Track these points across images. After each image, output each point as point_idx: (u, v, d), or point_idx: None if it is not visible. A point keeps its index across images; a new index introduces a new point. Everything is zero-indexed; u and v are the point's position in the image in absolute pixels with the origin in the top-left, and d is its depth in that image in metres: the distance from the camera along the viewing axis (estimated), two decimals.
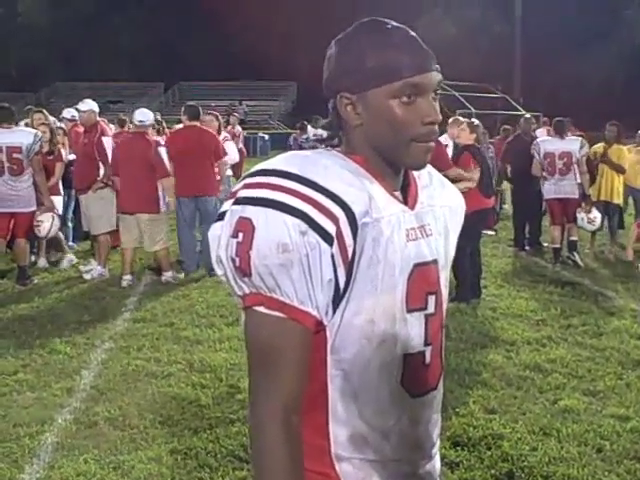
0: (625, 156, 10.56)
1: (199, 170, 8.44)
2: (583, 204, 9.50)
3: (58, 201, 8.85)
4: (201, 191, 8.56)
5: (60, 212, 8.82)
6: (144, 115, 8.41)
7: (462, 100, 26.69)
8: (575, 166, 9.37)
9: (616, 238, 10.60)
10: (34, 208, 8.02)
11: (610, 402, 4.90)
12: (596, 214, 9.67)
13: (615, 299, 7.69)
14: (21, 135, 7.98)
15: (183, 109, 9.00)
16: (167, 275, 8.31)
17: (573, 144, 9.46)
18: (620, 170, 10.35)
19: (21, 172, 7.84)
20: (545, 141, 9.66)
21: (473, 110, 25.92)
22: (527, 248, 10.42)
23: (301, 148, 15.27)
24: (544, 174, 9.47)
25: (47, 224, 8.15)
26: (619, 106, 23.45)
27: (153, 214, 8.15)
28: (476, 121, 8.43)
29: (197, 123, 8.81)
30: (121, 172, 8.14)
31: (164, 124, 16.16)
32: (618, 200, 10.39)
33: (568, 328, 6.61)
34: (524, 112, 19.75)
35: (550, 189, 9.48)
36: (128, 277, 8.16)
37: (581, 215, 9.51)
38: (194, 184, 8.42)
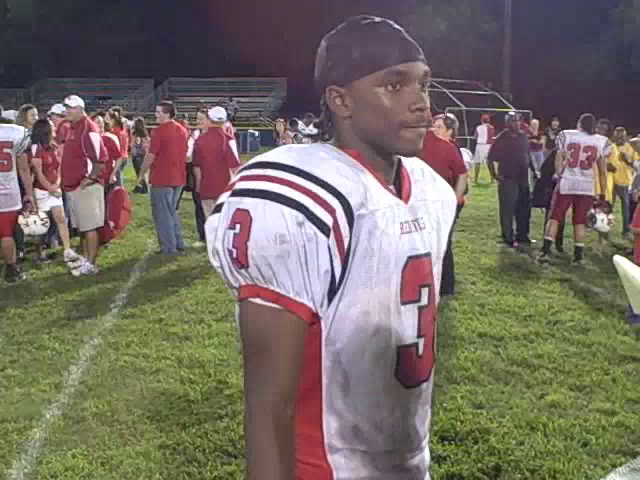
0: (615, 154, 10.63)
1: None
2: (601, 205, 9.36)
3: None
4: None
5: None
6: (219, 113, 9.55)
7: (452, 97, 26.74)
8: (595, 164, 9.24)
9: (605, 235, 10.67)
10: (20, 206, 8.01)
11: (596, 397, 4.94)
12: (612, 215, 9.56)
13: (602, 295, 7.73)
14: (10, 131, 7.96)
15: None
16: None
17: (599, 140, 9.32)
18: (610, 168, 10.41)
19: (10, 169, 7.82)
20: (572, 133, 9.44)
21: (463, 107, 25.98)
22: (516, 244, 10.45)
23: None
24: (563, 165, 9.28)
25: (33, 222, 8.16)
26: (608, 103, 23.55)
27: None
28: (452, 116, 8.33)
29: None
30: (203, 163, 9.24)
31: (143, 124, 16.27)
32: (608, 197, 10.43)
33: (555, 324, 6.65)
34: (513, 109, 19.84)
35: (566, 184, 9.25)
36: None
37: (600, 216, 9.35)
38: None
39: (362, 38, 1.48)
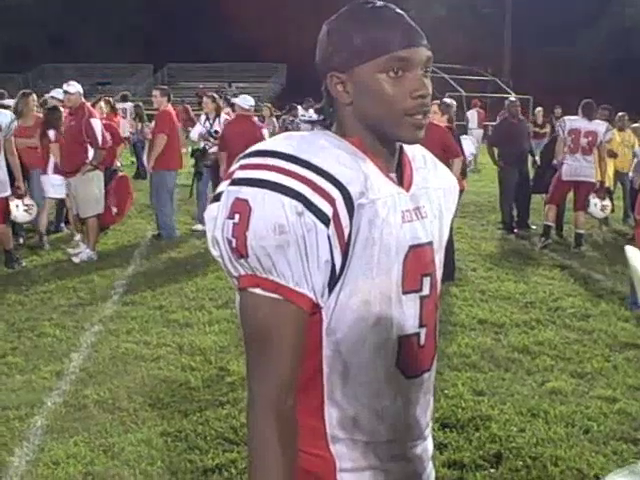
0: (616, 140, 10.59)
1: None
2: (599, 191, 9.32)
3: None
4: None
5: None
6: (248, 101, 9.56)
7: (452, 82, 26.65)
8: (596, 149, 9.21)
9: (605, 221, 10.67)
10: (9, 192, 7.86)
11: (597, 384, 4.94)
12: (608, 202, 9.58)
13: (603, 282, 7.73)
14: None
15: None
16: None
17: (600, 126, 9.29)
18: (611, 154, 10.38)
19: None
20: (572, 119, 9.44)
21: (463, 93, 25.90)
22: (516, 231, 10.44)
23: (287, 129, 15.34)
24: (565, 152, 9.26)
25: (15, 207, 8.08)
26: (609, 88, 23.49)
27: None
28: (448, 101, 8.10)
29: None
30: (229, 149, 9.14)
31: (142, 109, 16.30)
32: (609, 184, 10.41)
33: (556, 310, 6.65)
34: (514, 95, 19.77)
35: (568, 170, 9.23)
36: None
37: (594, 201, 9.30)
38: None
39: (364, 23, 1.45)
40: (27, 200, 8.28)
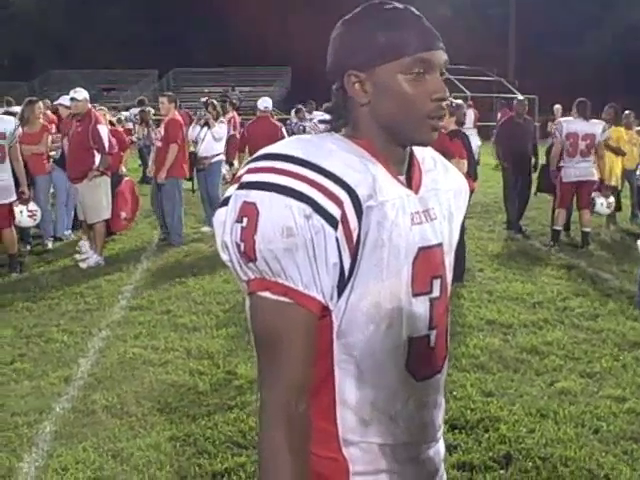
0: (623, 138, 10.56)
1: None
2: (602, 189, 9.36)
3: None
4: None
5: None
6: (267, 102, 10.50)
7: (457, 83, 26.62)
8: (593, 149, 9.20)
9: (613, 220, 10.63)
10: (14, 198, 7.93)
11: (606, 383, 4.92)
12: (612, 199, 9.58)
13: (611, 281, 7.70)
14: (1, 122, 7.91)
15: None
16: None
17: (596, 127, 9.27)
18: (619, 152, 10.35)
19: (3, 159, 7.75)
20: (569, 121, 9.41)
21: (469, 93, 25.88)
22: (525, 229, 10.40)
23: (292, 132, 15.42)
24: (564, 156, 9.26)
25: (19, 212, 8.10)
26: (613, 88, 23.43)
27: None
28: (457, 102, 7.93)
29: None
30: (251, 148, 9.74)
31: (151, 114, 16.42)
32: (615, 182, 10.38)
33: (564, 310, 6.63)
34: (519, 94, 19.72)
35: (569, 172, 9.24)
36: None
37: (600, 200, 9.39)
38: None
39: (387, 23, 1.45)
40: (31, 206, 8.34)
